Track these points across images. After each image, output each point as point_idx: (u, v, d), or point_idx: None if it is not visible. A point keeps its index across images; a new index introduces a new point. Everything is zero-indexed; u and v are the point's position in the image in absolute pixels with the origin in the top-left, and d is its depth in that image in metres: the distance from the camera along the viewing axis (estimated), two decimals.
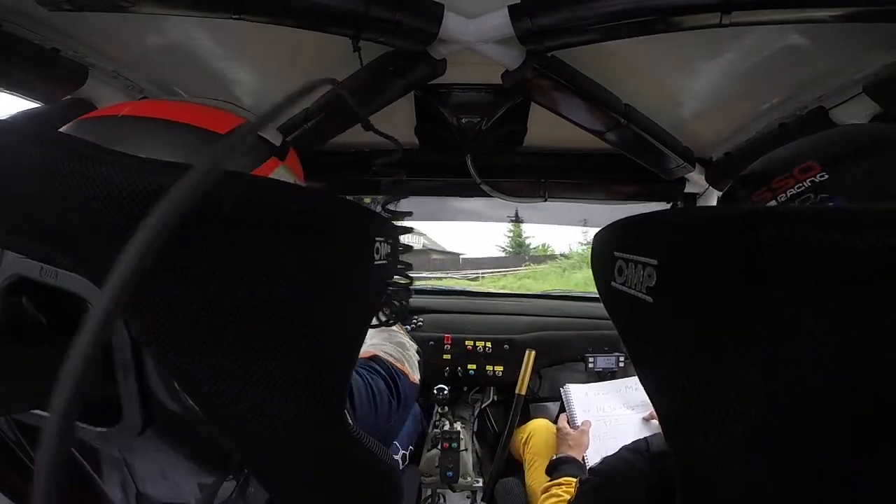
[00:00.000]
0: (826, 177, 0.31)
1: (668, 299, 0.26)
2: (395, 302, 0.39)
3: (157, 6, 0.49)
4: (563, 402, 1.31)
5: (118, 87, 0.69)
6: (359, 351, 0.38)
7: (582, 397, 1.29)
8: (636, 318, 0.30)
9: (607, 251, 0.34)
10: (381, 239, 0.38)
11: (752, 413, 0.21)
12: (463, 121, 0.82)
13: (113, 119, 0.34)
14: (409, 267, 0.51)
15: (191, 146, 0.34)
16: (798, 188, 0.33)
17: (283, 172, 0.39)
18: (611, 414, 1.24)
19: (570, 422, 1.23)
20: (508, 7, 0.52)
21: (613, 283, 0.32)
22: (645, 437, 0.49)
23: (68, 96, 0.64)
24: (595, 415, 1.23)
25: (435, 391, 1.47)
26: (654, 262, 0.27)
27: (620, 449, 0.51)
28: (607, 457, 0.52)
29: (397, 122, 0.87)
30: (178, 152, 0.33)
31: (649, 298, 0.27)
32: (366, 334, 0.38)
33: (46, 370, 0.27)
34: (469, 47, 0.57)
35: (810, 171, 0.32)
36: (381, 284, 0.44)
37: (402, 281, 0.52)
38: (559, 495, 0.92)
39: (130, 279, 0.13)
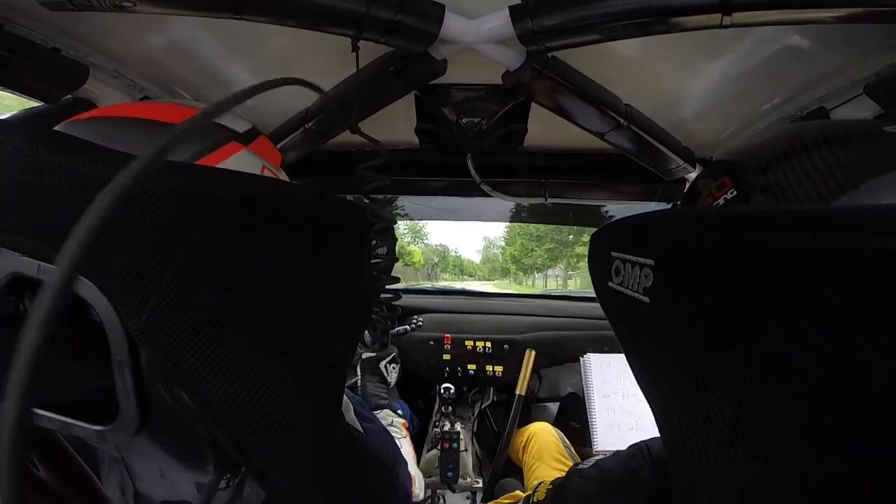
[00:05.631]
0: (735, 194, 0.32)
1: (665, 300, 0.26)
2: (378, 319, 0.37)
3: (159, 6, 0.49)
4: (581, 372, 1.28)
5: (119, 86, 0.69)
6: (354, 350, 0.38)
7: (603, 368, 1.26)
8: (633, 319, 0.30)
9: (605, 251, 0.34)
10: (380, 241, 0.39)
11: (749, 414, 0.21)
12: (463, 121, 0.82)
13: (93, 120, 0.34)
14: (397, 280, 0.50)
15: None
16: (715, 206, 0.34)
17: (245, 156, 0.38)
18: (631, 389, 1.22)
19: (585, 392, 1.21)
20: (509, 7, 0.52)
21: (610, 284, 0.32)
22: (644, 441, 0.47)
23: (69, 96, 0.64)
24: (614, 386, 1.21)
25: (441, 391, 1.47)
26: (651, 262, 0.27)
27: (616, 453, 0.49)
28: (603, 459, 0.51)
29: (397, 122, 0.87)
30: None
31: (646, 299, 0.27)
32: (362, 334, 0.38)
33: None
34: (470, 48, 0.57)
35: (723, 189, 0.33)
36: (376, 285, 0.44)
37: (389, 294, 0.51)
38: None
39: (81, 256, 0.14)
